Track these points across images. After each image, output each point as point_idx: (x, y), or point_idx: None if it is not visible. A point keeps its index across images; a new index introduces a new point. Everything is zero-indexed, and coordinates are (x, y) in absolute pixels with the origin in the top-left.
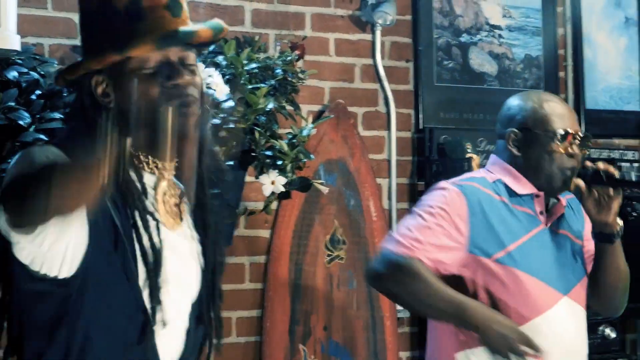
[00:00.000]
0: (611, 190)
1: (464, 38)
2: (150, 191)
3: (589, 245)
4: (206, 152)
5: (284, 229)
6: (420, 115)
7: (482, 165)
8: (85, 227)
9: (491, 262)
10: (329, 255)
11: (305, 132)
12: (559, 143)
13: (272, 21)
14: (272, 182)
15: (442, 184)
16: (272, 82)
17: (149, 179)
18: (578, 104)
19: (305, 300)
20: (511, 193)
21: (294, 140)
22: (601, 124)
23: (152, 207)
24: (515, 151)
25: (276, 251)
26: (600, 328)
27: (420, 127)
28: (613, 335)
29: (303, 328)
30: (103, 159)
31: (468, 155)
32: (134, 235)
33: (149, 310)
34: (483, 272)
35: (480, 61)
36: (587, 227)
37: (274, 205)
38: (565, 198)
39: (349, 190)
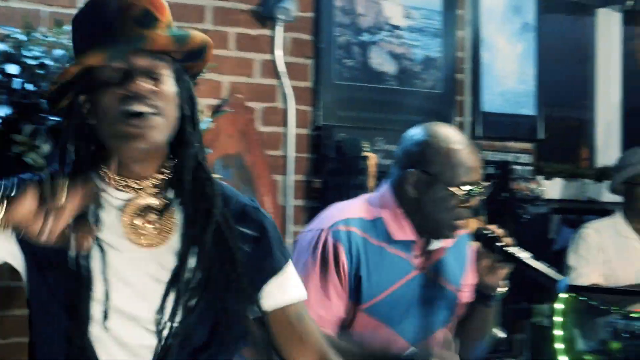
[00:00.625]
0: (501, 266)
1: (365, 37)
2: (113, 211)
3: (466, 290)
4: (198, 160)
5: None
6: (319, 113)
7: (378, 165)
8: (14, 245)
9: (361, 310)
10: None
11: (202, 126)
12: (458, 197)
13: (172, 13)
14: None
15: (318, 229)
16: None
17: (116, 199)
18: (475, 107)
19: None
20: (389, 236)
21: None
22: (497, 127)
23: (110, 229)
24: (411, 192)
25: None
26: None
27: (319, 124)
28: (502, 335)
29: None
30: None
31: (365, 153)
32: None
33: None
34: (357, 317)
35: (380, 61)
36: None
37: None
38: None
39: (245, 186)
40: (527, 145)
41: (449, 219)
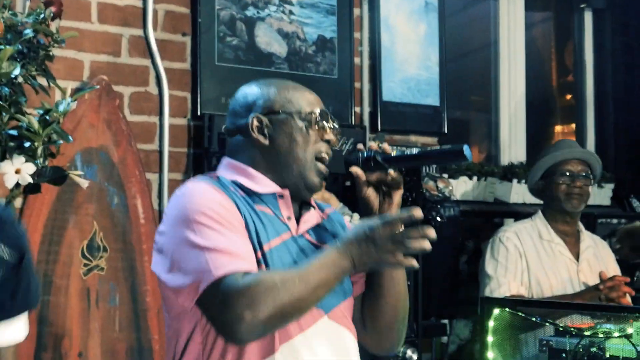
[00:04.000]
0: (390, 175)
1: (250, 12)
2: None
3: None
4: None
5: (30, 231)
6: (199, 100)
7: None
8: None
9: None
10: (86, 265)
11: (61, 107)
12: (313, 125)
13: None
14: (17, 170)
15: (192, 183)
16: (20, 46)
17: None
18: (374, 95)
19: (55, 321)
20: (250, 192)
21: (47, 117)
22: (398, 119)
23: None
24: (262, 139)
25: None
26: (402, 349)
27: (199, 113)
28: (415, 356)
29: (52, 355)
30: None
31: None
32: None
33: None
34: None
35: (267, 39)
36: None
37: (17, 201)
38: (327, 212)
39: (111, 186)
40: (430, 140)
41: (310, 156)
